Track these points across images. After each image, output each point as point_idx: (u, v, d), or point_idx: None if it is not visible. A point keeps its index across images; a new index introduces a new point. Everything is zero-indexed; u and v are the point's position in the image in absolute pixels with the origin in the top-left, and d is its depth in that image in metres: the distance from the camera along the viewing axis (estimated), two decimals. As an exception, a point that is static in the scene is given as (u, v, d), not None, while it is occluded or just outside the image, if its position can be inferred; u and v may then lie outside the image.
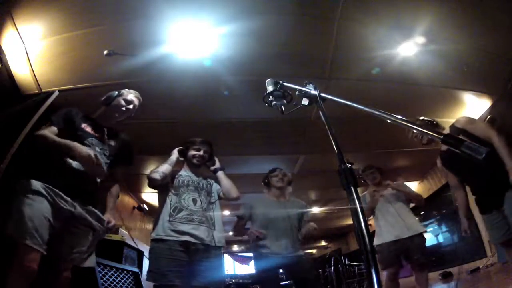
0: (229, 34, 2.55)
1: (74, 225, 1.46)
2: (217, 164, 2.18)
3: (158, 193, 2.03)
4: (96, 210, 1.57)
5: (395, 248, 2.51)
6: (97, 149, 1.61)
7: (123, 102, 1.77)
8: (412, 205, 2.83)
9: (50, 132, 1.49)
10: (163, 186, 1.98)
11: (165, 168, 1.95)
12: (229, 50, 2.71)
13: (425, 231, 2.60)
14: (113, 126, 1.79)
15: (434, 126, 2.16)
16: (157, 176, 1.89)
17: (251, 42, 2.67)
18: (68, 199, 1.43)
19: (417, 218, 2.74)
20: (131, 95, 1.83)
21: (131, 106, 1.80)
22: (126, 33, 2.50)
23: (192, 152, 2.09)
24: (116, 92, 1.78)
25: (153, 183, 1.91)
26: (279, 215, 2.34)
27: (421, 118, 2.21)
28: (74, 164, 1.50)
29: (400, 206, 2.66)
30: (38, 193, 1.34)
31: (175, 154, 2.08)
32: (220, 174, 2.14)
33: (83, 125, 1.63)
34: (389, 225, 2.60)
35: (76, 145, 1.43)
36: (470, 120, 1.91)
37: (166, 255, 1.75)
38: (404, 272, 2.65)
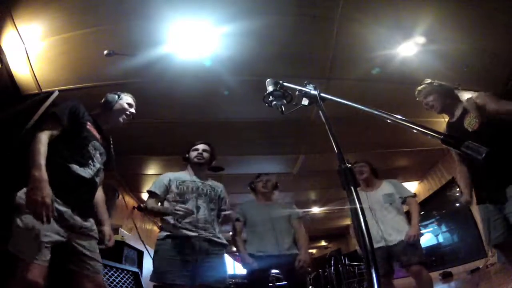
0: (229, 34, 2.55)
1: (79, 236, 1.40)
2: (227, 209, 2.15)
3: (164, 200, 2.05)
4: (92, 221, 1.52)
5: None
6: (97, 154, 1.54)
7: (127, 106, 1.72)
8: (406, 208, 2.56)
9: (48, 135, 1.36)
10: (166, 197, 2.04)
11: (155, 208, 2.00)
12: (229, 50, 2.71)
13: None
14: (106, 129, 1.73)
15: (452, 95, 2.09)
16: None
17: (251, 42, 2.67)
18: (69, 210, 1.35)
19: (404, 223, 2.40)
20: (130, 98, 1.77)
21: (133, 110, 1.76)
22: (126, 33, 2.50)
23: (193, 153, 2.15)
24: (117, 96, 1.71)
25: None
26: (264, 218, 2.46)
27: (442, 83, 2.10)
28: (79, 170, 1.42)
29: (385, 211, 2.43)
30: None
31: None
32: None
33: (88, 125, 1.53)
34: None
35: (38, 181, 1.21)
36: (492, 98, 1.78)
37: (170, 255, 1.78)
38: (402, 273, 2.60)
